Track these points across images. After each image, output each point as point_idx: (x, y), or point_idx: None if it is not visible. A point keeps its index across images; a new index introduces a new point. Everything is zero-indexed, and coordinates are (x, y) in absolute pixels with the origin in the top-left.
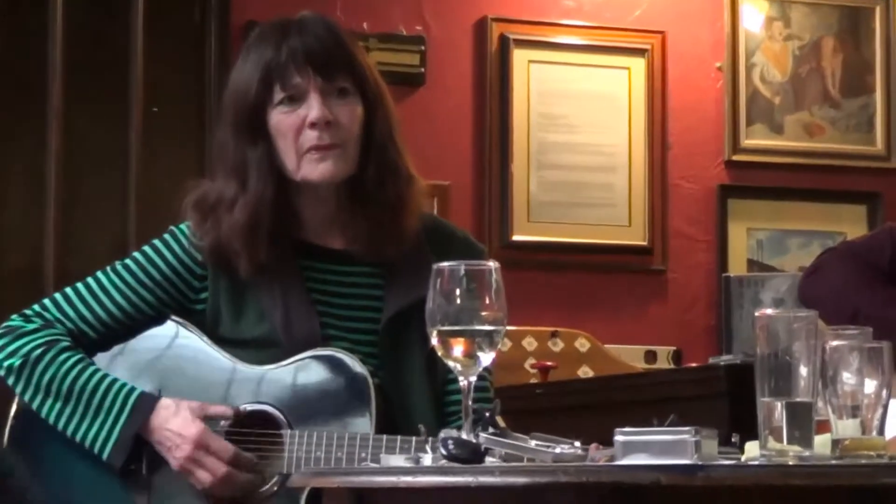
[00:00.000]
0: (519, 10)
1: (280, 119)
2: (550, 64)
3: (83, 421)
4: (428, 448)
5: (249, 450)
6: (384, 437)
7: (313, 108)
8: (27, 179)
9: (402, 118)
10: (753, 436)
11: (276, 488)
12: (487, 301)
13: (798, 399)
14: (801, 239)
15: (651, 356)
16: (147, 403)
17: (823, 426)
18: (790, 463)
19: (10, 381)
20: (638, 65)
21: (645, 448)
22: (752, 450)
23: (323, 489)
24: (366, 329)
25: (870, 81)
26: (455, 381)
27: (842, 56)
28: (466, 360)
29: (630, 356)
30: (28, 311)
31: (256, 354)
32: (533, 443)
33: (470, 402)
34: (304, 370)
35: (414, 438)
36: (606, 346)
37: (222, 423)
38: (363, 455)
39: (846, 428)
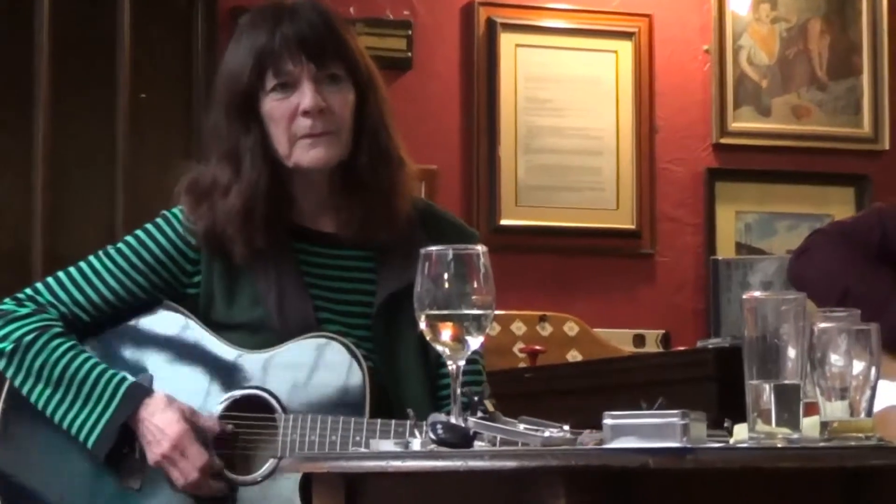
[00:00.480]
0: None
1: (273, 106)
2: (537, 48)
3: (71, 408)
4: (417, 433)
5: (244, 434)
6: (378, 420)
7: (306, 95)
8: (15, 164)
9: (390, 103)
10: (742, 418)
11: (270, 471)
12: (475, 285)
13: (786, 381)
14: (788, 221)
15: (639, 340)
16: (137, 394)
17: (812, 408)
18: (779, 445)
19: (1, 365)
20: (625, 48)
21: (634, 431)
22: (740, 432)
23: (313, 474)
24: (359, 313)
25: (857, 63)
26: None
27: (829, 38)
28: (455, 345)
29: (619, 340)
30: (20, 295)
31: (250, 338)
32: (522, 427)
33: (458, 387)
34: (298, 354)
35: (408, 422)
36: (595, 329)
37: (218, 407)
38: (357, 439)
39: (834, 410)
